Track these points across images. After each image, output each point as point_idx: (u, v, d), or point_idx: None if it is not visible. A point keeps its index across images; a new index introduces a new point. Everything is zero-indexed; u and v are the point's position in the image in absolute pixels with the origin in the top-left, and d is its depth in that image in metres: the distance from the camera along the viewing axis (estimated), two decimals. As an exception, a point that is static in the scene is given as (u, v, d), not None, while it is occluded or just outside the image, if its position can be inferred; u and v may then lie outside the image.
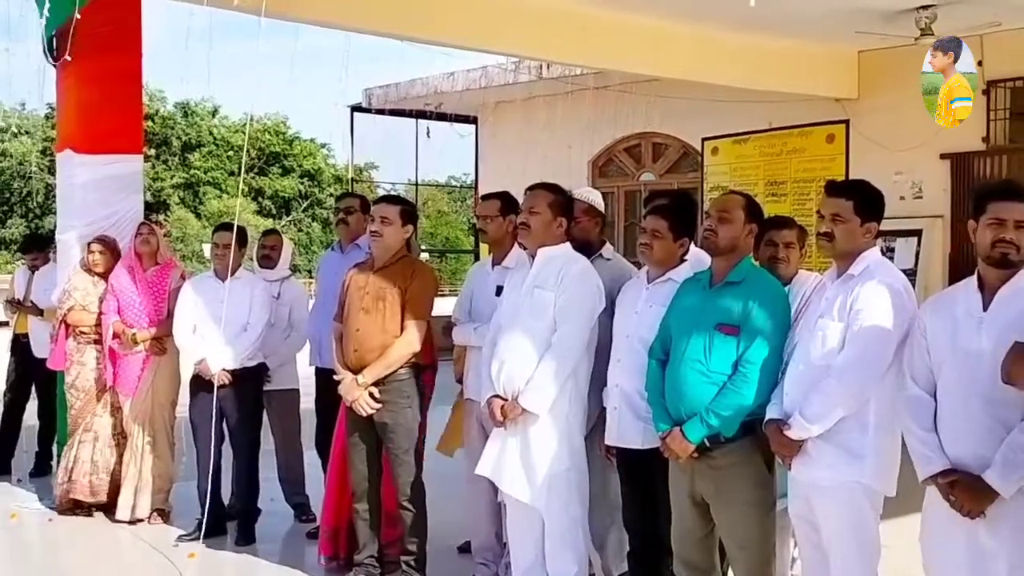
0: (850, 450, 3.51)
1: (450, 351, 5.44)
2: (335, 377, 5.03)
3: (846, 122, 10.71)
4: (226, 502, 6.08)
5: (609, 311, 4.48)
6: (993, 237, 3.14)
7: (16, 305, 7.73)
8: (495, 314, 4.70)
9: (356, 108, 15.14)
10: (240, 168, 27.47)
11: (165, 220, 29.58)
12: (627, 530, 4.53)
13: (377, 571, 5.08)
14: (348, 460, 5.09)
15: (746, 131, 11.50)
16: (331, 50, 9.58)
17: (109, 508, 6.30)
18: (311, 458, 6.36)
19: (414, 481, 4.96)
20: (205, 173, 39.41)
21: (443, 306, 5.93)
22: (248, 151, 35.63)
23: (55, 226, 7.07)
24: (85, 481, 6.30)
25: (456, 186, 34.50)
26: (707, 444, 3.78)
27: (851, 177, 8.96)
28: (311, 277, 24.37)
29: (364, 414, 4.88)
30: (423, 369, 5.03)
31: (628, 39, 8.69)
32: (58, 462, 6.71)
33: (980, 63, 8.64)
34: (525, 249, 4.68)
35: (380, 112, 14.84)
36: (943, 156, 9.94)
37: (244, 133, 30.60)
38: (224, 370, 5.73)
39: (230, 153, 39.36)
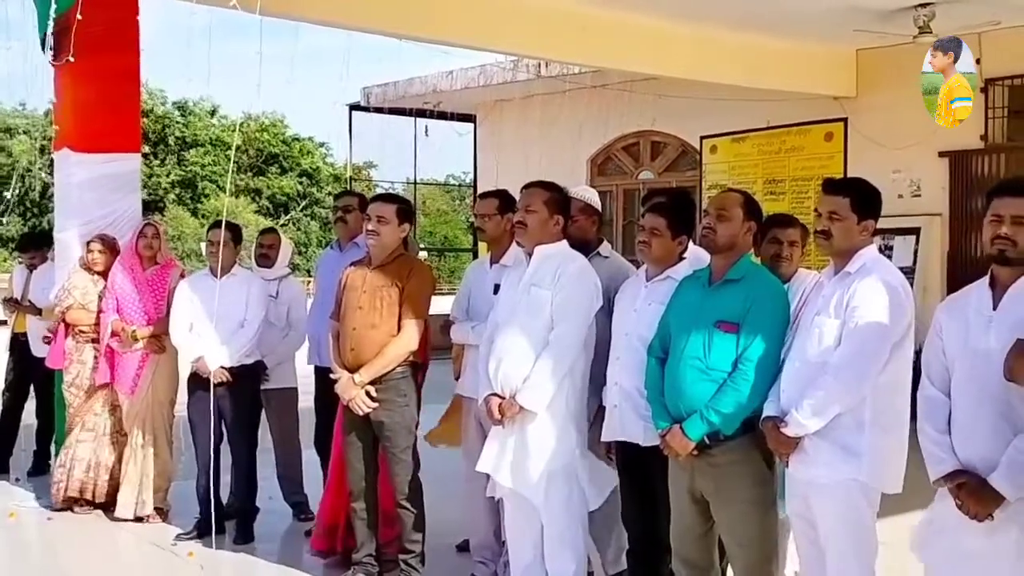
0: (847, 448, 3.51)
1: (448, 349, 5.45)
2: (332, 376, 5.03)
3: (844, 120, 10.71)
4: (225, 501, 6.08)
5: (607, 309, 4.47)
6: (992, 234, 3.11)
7: (14, 304, 7.71)
8: (492, 312, 4.69)
9: (354, 107, 15.12)
10: (230, 167, 27.31)
11: (161, 218, 29.49)
12: (626, 528, 4.53)
13: (375, 570, 5.07)
14: (345, 459, 5.09)
15: (744, 129, 11.50)
16: (330, 49, 9.57)
17: (107, 507, 6.31)
18: (310, 457, 6.36)
19: (412, 480, 4.96)
20: (202, 168, 39.29)
21: (442, 304, 5.93)
22: (246, 150, 35.54)
23: (52, 224, 7.06)
24: (84, 479, 6.30)
25: (455, 185, 34.49)
26: (707, 442, 3.78)
27: (849, 175, 8.95)
28: (310, 276, 24.32)
29: (361, 413, 4.88)
30: (420, 368, 5.03)
31: (627, 38, 8.70)
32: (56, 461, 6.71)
33: (978, 61, 8.63)
34: (522, 247, 4.68)
35: (379, 111, 14.82)
36: (941, 154, 9.94)
37: (238, 132, 30.55)
38: (222, 367, 5.72)
39: (228, 152, 39.22)
